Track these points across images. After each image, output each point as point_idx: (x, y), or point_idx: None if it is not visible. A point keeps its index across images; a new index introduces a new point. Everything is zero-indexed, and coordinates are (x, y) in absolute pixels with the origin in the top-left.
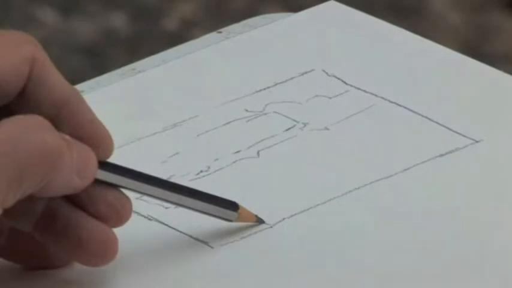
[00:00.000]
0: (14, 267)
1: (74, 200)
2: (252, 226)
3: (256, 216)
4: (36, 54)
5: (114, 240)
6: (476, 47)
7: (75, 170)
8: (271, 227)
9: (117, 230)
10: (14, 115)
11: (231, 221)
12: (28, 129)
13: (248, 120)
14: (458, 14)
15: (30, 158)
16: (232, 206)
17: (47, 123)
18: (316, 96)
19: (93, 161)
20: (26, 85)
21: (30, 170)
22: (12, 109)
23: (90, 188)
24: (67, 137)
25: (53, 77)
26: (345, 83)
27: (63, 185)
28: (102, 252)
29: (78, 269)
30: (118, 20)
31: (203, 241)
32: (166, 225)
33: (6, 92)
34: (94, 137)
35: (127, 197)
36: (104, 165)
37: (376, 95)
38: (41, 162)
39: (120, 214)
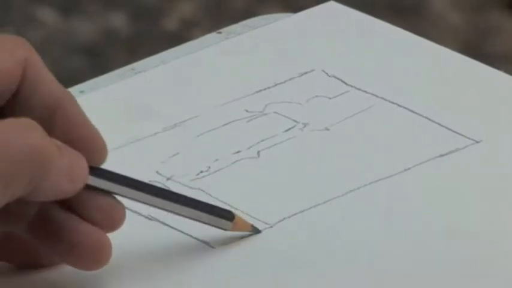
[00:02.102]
0: (4, 266)
1: (66, 205)
2: (248, 235)
3: (252, 225)
4: (29, 57)
5: (107, 245)
6: (476, 47)
7: (65, 174)
8: (271, 226)
9: (117, 230)
10: (6, 118)
11: (226, 229)
12: (18, 131)
13: (248, 121)
14: (458, 14)
15: (19, 159)
16: (227, 215)
17: (37, 126)
18: (316, 96)
19: (84, 166)
20: (19, 88)
21: (18, 172)
22: (4, 112)
23: (82, 193)
24: (58, 142)
25: (46, 80)
26: (345, 83)
27: (53, 189)
28: (95, 257)
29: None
30: (118, 20)
31: (204, 241)
32: (167, 225)
33: None
34: (87, 141)
35: (120, 202)
36: (97, 170)
37: (376, 96)
38: (29, 164)
39: (113, 219)
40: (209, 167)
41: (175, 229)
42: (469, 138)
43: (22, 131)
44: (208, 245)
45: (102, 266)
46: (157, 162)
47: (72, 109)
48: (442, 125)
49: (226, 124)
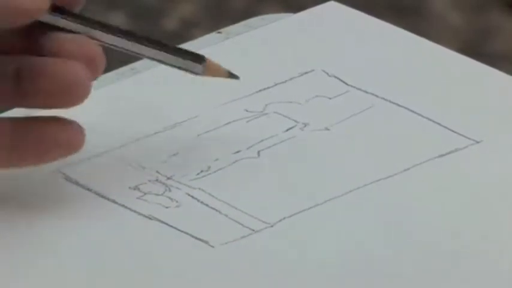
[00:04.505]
0: None
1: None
2: (223, 80)
3: (228, 72)
4: None
5: (86, 78)
6: (476, 47)
7: None
8: (271, 226)
9: (117, 230)
10: None
11: (197, 74)
12: None
13: (248, 121)
14: (458, 14)
15: None
16: (197, 58)
17: None
18: (317, 96)
19: None
20: None
21: None
22: None
23: (56, 36)
24: None
25: None
26: (345, 83)
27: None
28: (75, 91)
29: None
30: (118, 20)
31: (203, 240)
32: (167, 224)
33: None
34: None
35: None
36: (75, 16)
37: (376, 96)
38: None
39: (90, 51)
40: (209, 167)
41: (175, 228)
42: (469, 138)
43: None
44: (208, 244)
45: (82, 100)
46: (158, 161)
47: None
48: (442, 125)
49: (227, 124)
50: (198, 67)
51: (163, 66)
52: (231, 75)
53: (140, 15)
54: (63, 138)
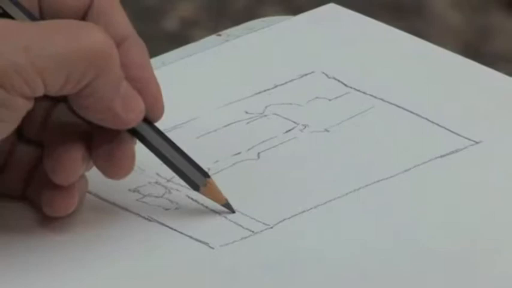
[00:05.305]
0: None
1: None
2: (222, 210)
3: (226, 200)
4: None
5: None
6: (476, 47)
7: (121, 99)
8: (271, 227)
9: (117, 230)
10: None
11: (198, 188)
12: (79, 24)
13: (248, 122)
14: (458, 14)
15: (78, 50)
16: (203, 172)
17: (100, 27)
18: (316, 98)
19: (140, 104)
20: (85, 16)
21: (75, 59)
22: None
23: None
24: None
25: (113, 16)
26: (344, 85)
27: (105, 101)
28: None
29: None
30: None
31: (203, 242)
32: (167, 226)
33: (67, 16)
34: (143, 87)
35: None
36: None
37: (375, 97)
38: (88, 53)
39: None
40: (209, 169)
41: (175, 230)
42: (468, 139)
43: (84, 25)
44: (208, 245)
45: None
46: (158, 163)
47: (133, 51)
48: (441, 126)
49: (226, 126)
50: (201, 179)
51: (163, 69)
52: (227, 206)
53: (140, 15)
54: (55, 204)
